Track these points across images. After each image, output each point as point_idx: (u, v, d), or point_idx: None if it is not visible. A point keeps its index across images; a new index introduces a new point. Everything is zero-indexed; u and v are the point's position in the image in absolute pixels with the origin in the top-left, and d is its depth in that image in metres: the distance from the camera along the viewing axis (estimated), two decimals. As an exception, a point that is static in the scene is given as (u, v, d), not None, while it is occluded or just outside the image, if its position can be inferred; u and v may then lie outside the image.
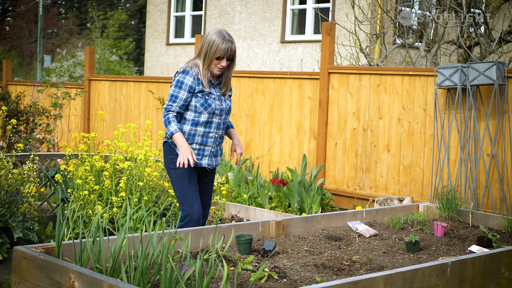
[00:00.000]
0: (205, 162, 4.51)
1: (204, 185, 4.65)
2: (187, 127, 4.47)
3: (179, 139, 4.37)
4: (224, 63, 4.43)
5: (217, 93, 4.54)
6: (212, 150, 4.54)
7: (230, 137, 4.76)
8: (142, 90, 10.35)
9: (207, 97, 4.46)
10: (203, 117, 4.46)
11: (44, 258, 3.30)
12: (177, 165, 4.36)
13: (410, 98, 7.32)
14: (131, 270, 3.19)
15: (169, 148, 4.50)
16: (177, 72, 4.50)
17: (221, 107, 4.55)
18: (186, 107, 4.46)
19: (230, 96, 4.68)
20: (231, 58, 4.47)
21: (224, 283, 2.94)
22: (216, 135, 4.54)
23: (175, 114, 4.42)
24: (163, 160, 4.69)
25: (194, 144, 4.48)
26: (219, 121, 4.55)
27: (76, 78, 20.89)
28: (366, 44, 11.58)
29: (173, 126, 4.39)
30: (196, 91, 4.44)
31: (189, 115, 4.47)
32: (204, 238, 4.23)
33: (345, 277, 3.67)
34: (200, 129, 4.48)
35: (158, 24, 17.39)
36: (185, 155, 4.33)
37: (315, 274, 3.70)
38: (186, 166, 4.34)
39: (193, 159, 4.36)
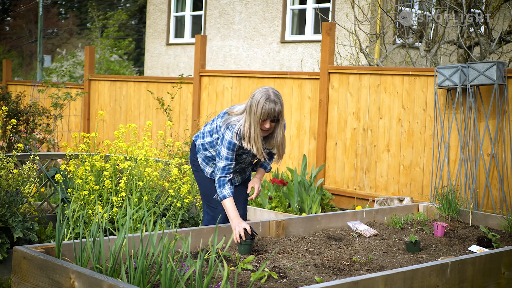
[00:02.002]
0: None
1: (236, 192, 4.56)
2: (209, 153, 4.43)
3: (230, 210, 4.21)
4: (267, 125, 4.14)
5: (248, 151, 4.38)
6: (236, 178, 4.53)
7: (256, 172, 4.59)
8: (142, 90, 10.35)
9: (244, 157, 4.38)
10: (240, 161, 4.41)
11: (44, 258, 3.30)
12: (235, 240, 4.16)
13: (410, 98, 7.32)
14: (131, 270, 3.19)
15: (193, 150, 4.57)
16: (225, 129, 4.24)
17: (251, 159, 4.46)
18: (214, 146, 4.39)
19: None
20: (276, 119, 4.17)
21: (224, 283, 2.94)
22: (240, 170, 4.50)
23: (230, 178, 4.28)
24: (188, 157, 4.65)
25: (208, 167, 4.49)
26: (244, 166, 4.48)
27: (76, 78, 20.88)
28: (366, 44, 11.58)
29: (227, 190, 4.24)
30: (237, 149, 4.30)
31: (212, 151, 4.43)
32: (204, 238, 4.23)
33: (345, 277, 3.67)
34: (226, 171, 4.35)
35: (158, 24, 17.39)
36: (237, 232, 4.13)
37: (315, 274, 3.70)
38: (239, 241, 4.16)
39: (244, 235, 4.13)
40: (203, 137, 4.48)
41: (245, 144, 4.20)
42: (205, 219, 4.56)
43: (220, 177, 4.25)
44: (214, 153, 4.43)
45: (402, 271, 3.39)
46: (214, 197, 4.42)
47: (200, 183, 4.57)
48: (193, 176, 4.88)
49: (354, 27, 9.97)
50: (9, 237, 4.55)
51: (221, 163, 4.25)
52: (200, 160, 4.52)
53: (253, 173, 4.68)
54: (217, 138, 4.36)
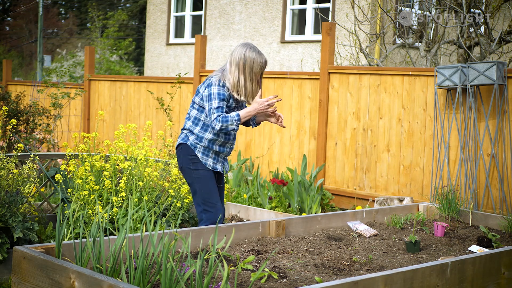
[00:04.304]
0: (219, 167, 4.67)
1: (219, 189, 4.79)
2: (208, 135, 4.58)
3: (246, 112, 4.48)
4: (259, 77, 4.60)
5: (242, 105, 4.72)
6: (225, 157, 4.71)
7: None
8: (142, 90, 10.35)
9: (233, 111, 4.62)
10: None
11: (44, 258, 3.30)
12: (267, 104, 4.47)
13: (410, 98, 7.32)
14: (131, 270, 3.19)
15: (187, 149, 4.61)
16: (211, 82, 4.53)
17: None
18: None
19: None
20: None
21: (224, 283, 2.94)
22: (232, 145, 4.72)
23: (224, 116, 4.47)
24: (177, 162, 4.71)
25: (212, 151, 4.61)
26: (235, 133, 4.70)
27: (76, 78, 20.89)
28: (366, 44, 11.58)
29: (232, 116, 4.44)
30: (227, 105, 4.56)
31: None
32: (204, 238, 4.23)
33: (345, 277, 3.67)
34: (220, 139, 4.61)
35: (158, 24, 17.39)
36: (262, 107, 4.47)
37: (315, 274, 3.70)
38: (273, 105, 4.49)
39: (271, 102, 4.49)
40: (196, 125, 4.60)
41: (241, 97, 4.54)
42: (204, 218, 4.58)
43: (219, 115, 4.42)
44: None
45: (402, 271, 3.39)
46: (231, 128, 4.47)
47: (199, 182, 4.58)
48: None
49: (354, 27, 9.97)
50: (9, 237, 4.55)
51: (213, 115, 4.43)
52: (200, 154, 4.59)
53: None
54: (203, 104, 4.56)
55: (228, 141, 4.65)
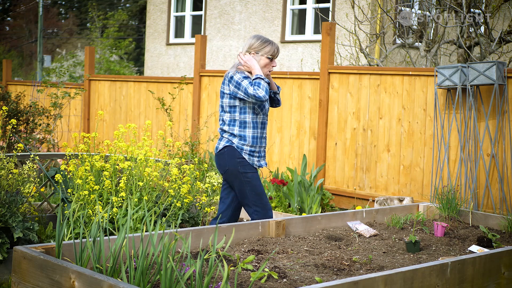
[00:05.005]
0: (263, 162, 4.85)
1: None
2: (250, 132, 4.73)
3: (257, 69, 4.69)
4: (274, 63, 4.77)
5: None
6: (265, 150, 4.89)
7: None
8: (142, 90, 10.35)
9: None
10: (260, 118, 4.76)
11: (44, 258, 3.29)
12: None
13: (410, 98, 7.32)
14: (131, 270, 3.19)
15: (234, 152, 4.74)
16: (230, 76, 4.70)
17: (267, 106, 4.88)
18: (240, 110, 4.70)
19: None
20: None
21: (224, 283, 2.94)
22: (265, 136, 4.89)
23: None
24: (219, 164, 4.82)
25: (258, 147, 4.78)
26: (266, 121, 4.88)
27: (76, 78, 20.89)
28: (366, 44, 11.58)
29: (256, 80, 4.62)
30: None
31: (249, 118, 4.72)
32: (204, 238, 4.23)
33: (345, 277, 3.67)
34: (259, 131, 4.77)
35: (158, 24, 17.39)
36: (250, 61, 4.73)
37: (315, 274, 3.70)
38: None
39: None
40: (233, 126, 4.73)
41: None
42: (256, 218, 4.77)
43: (253, 87, 4.58)
44: (255, 118, 4.74)
45: (402, 271, 3.39)
46: (266, 87, 4.61)
47: (249, 184, 4.75)
48: (221, 174, 5.00)
49: (354, 27, 9.97)
50: (9, 237, 4.55)
51: (251, 90, 4.58)
52: (247, 156, 4.73)
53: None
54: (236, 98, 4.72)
55: (264, 130, 4.82)
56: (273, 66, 4.78)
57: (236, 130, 4.72)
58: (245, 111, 4.71)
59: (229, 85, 4.69)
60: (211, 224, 4.95)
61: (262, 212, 4.75)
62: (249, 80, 4.63)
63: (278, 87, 4.95)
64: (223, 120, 4.77)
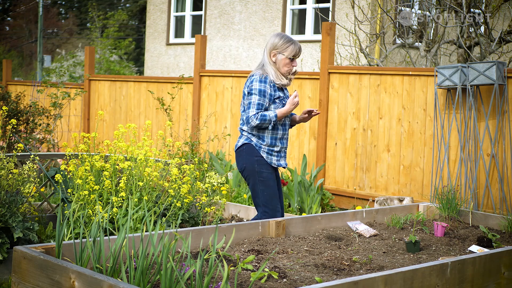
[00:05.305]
0: (283, 162, 4.86)
1: (278, 184, 4.96)
2: (268, 132, 4.74)
3: (282, 110, 4.67)
4: (295, 63, 4.76)
5: (286, 95, 4.84)
6: (285, 150, 4.89)
7: (294, 120, 5.04)
8: (142, 90, 10.35)
9: (284, 102, 4.76)
10: (281, 120, 4.76)
11: (44, 258, 3.29)
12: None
13: (410, 98, 7.32)
14: (131, 270, 3.19)
15: (252, 150, 4.75)
16: (253, 79, 4.70)
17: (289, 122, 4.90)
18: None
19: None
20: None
21: (224, 283, 2.94)
22: (287, 136, 4.89)
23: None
24: (237, 162, 4.86)
25: (277, 147, 4.78)
26: (288, 122, 4.88)
27: (76, 78, 20.89)
28: (366, 44, 11.58)
29: (270, 113, 4.63)
30: (274, 97, 4.70)
31: None
32: (204, 238, 4.23)
33: (345, 277, 3.67)
34: (280, 132, 4.78)
35: (158, 24, 17.39)
36: (294, 104, 4.67)
37: (315, 274, 3.70)
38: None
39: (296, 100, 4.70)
40: (251, 123, 4.72)
41: (282, 80, 4.72)
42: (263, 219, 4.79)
43: (257, 112, 4.60)
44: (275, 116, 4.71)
45: (402, 271, 3.39)
46: (265, 126, 4.65)
47: (262, 184, 4.76)
48: (239, 171, 5.10)
49: (354, 27, 9.97)
50: (9, 237, 4.55)
51: (252, 111, 4.60)
52: (265, 155, 4.75)
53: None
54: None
55: (285, 132, 4.82)
56: (293, 66, 4.76)
57: (255, 131, 4.75)
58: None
59: (247, 87, 4.71)
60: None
61: (270, 213, 4.77)
62: (262, 100, 4.62)
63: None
64: (243, 120, 4.78)
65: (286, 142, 4.87)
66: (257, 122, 4.60)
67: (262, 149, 4.74)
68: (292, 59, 4.74)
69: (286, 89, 4.87)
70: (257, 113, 4.60)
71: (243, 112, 4.76)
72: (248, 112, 4.64)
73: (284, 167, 4.89)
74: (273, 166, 4.78)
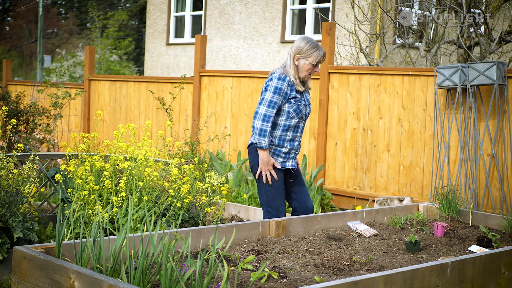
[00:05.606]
0: (289, 164, 4.85)
1: (292, 184, 4.96)
2: (277, 133, 4.76)
3: (263, 155, 4.73)
4: (317, 69, 4.78)
5: (303, 98, 4.84)
6: (296, 153, 4.89)
7: None
8: (142, 90, 10.35)
9: (299, 103, 4.76)
10: (293, 122, 4.76)
11: (44, 258, 3.29)
12: (263, 180, 4.75)
13: (410, 98, 7.32)
14: (131, 270, 3.19)
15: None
16: (272, 76, 4.72)
17: (307, 112, 4.87)
18: (278, 112, 4.74)
19: (309, 100, 4.95)
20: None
21: (224, 283, 2.94)
22: (300, 139, 4.89)
23: (270, 126, 4.67)
24: (248, 160, 4.97)
25: (284, 148, 4.79)
26: (303, 125, 4.88)
27: (76, 78, 20.90)
28: (366, 44, 11.58)
29: (266, 142, 4.68)
30: (290, 97, 4.71)
31: (281, 120, 4.75)
32: (205, 238, 4.23)
33: (345, 277, 3.67)
34: (289, 134, 4.78)
35: (158, 24, 17.39)
36: (266, 169, 4.74)
37: (315, 274, 3.70)
38: (269, 181, 4.76)
39: (275, 174, 4.76)
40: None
41: (300, 85, 4.72)
42: (266, 219, 4.82)
43: (262, 124, 4.63)
44: (288, 121, 4.74)
45: (402, 271, 3.39)
46: (259, 138, 4.67)
47: (270, 185, 4.79)
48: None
49: (354, 27, 9.97)
50: (9, 237, 4.55)
51: (262, 109, 4.62)
52: (270, 154, 4.77)
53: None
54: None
55: (296, 134, 4.83)
56: (315, 71, 4.78)
57: (273, 141, 4.79)
58: (279, 113, 4.75)
59: (265, 83, 4.74)
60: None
61: (273, 213, 4.80)
62: (276, 98, 4.64)
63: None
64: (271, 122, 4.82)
65: (298, 144, 4.87)
66: (259, 123, 4.64)
67: (271, 150, 4.79)
68: (316, 65, 4.74)
69: (308, 92, 4.90)
70: (266, 114, 4.63)
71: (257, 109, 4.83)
72: (258, 107, 4.68)
73: (291, 169, 4.89)
74: (277, 167, 4.80)
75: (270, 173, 4.76)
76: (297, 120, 4.77)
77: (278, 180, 4.80)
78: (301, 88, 4.75)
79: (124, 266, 3.22)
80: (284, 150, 4.80)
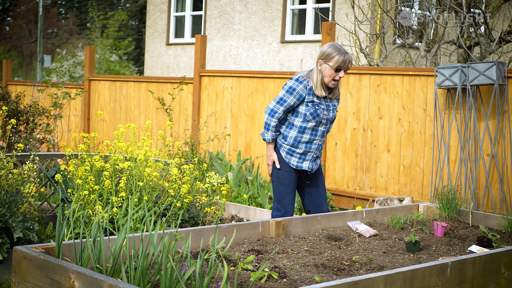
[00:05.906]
0: (305, 165, 4.89)
1: (309, 187, 5.02)
2: (293, 133, 4.83)
3: (268, 148, 4.89)
4: (341, 74, 4.74)
5: (327, 103, 4.85)
6: (314, 155, 4.91)
7: None
8: (142, 90, 10.35)
9: (317, 107, 4.77)
10: (310, 124, 4.80)
11: (44, 258, 3.29)
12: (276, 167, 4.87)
13: (410, 98, 7.32)
14: (131, 270, 3.19)
15: (274, 146, 4.91)
16: (293, 78, 4.82)
17: (328, 116, 4.87)
18: (292, 112, 4.80)
19: (336, 106, 4.96)
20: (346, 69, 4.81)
21: (224, 283, 2.94)
22: (320, 142, 4.91)
23: (277, 121, 4.78)
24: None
25: (298, 149, 4.85)
26: (324, 129, 4.90)
27: (76, 78, 20.90)
28: (366, 44, 11.58)
29: (269, 135, 4.83)
30: (306, 100, 4.75)
31: (297, 121, 4.80)
32: (205, 238, 4.23)
33: (345, 277, 3.67)
34: (306, 136, 4.83)
35: (158, 24, 17.39)
36: (267, 163, 4.91)
37: (315, 274, 3.70)
38: (269, 173, 4.92)
39: (271, 168, 4.90)
40: (282, 124, 4.87)
41: (320, 91, 4.74)
42: (273, 216, 4.95)
43: (268, 118, 4.77)
44: (304, 123, 4.80)
45: (402, 271, 3.39)
46: (266, 129, 4.82)
47: (277, 181, 4.90)
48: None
49: (354, 27, 9.97)
50: (9, 237, 4.55)
51: (271, 104, 4.76)
52: (284, 153, 4.87)
53: None
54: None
55: (315, 137, 4.86)
56: (340, 77, 4.74)
57: (282, 129, 4.87)
58: (296, 114, 4.80)
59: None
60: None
61: (281, 212, 4.89)
62: (287, 97, 4.72)
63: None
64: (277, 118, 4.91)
65: (316, 147, 4.89)
66: (266, 116, 4.78)
67: (283, 148, 4.86)
68: (338, 70, 4.72)
69: (336, 100, 4.91)
70: (273, 109, 4.74)
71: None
72: (271, 103, 4.79)
73: (307, 171, 4.92)
74: (292, 166, 4.86)
75: (273, 169, 4.90)
76: (314, 124, 4.80)
77: (290, 179, 4.87)
78: (320, 93, 4.75)
79: (124, 266, 3.22)
80: (298, 151, 4.85)
